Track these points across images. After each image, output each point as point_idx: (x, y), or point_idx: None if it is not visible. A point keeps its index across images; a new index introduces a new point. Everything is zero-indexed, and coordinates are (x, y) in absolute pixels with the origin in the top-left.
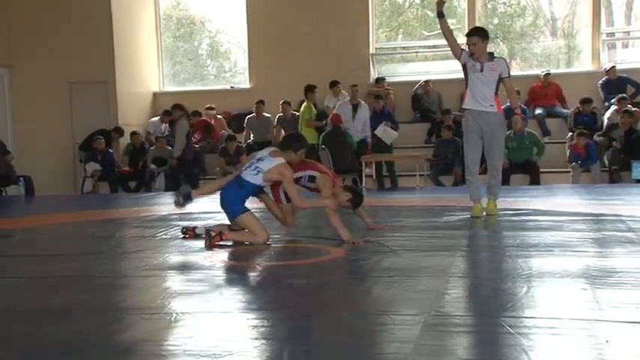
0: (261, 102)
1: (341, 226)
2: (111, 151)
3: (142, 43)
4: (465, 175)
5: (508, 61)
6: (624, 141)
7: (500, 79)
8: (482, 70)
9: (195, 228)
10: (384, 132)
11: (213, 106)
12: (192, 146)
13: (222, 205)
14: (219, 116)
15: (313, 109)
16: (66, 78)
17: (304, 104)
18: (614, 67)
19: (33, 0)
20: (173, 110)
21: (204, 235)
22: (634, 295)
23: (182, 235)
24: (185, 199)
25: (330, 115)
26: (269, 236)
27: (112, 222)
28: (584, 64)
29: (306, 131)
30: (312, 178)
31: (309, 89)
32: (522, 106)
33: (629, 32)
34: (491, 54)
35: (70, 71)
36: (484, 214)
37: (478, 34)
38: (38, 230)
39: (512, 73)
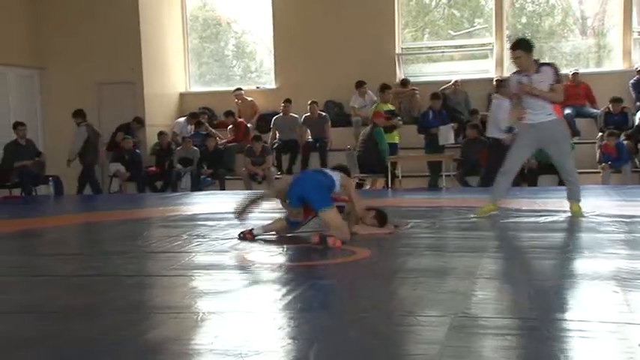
0: (288, 101)
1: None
2: (138, 151)
3: (169, 44)
4: (498, 172)
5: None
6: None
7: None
8: (532, 83)
9: (252, 230)
10: (447, 132)
11: (241, 87)
12: (94, 153)
13: (298, 192)
14: (249, 98)
15: (385, 109)
16: (95, 79)
17: (375, 104)
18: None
19: (62, 2)
20: (73, 117)
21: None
22: None
23: (239, 238)
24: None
25: (373, 114)
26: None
27: (139, 222)
28: (614, 63)
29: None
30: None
31: (383, 88)
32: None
33: None
34: (537, 62)
35: (98, 72)
36: (491, 213)
37: (521, 46)
38: (67, 229)
39: None
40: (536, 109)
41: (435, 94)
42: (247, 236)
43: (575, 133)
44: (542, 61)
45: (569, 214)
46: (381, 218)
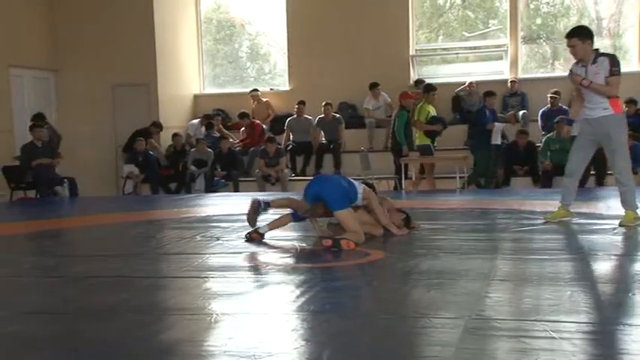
0: (302, 102)
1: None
2: (152, 152)
3: (183, 46)
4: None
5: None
6: None
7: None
8: (586, 75)
9: (257, 229)
10: (499, 131)
11: (257, 88)
12: (52, 154)
13: (317, 192)
14: (264, 99)
15: (430, 111)
16: (109, 81)
17: (420, 105)
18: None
19: (77, 5)
20: (33, 120)
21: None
22: None
23: (246, 239)
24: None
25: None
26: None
27: (153, 223)
28: (631, 64)
29: (419, 134)
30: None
31: (428, 89)
32: (565, 107)
33: None
34: (596, 52)
35: (113, 74)
36: (564, 219)
37: (577, 34)
38: (82, 231)
39: (555, 74)
40: (593, 103)
41: (490, 92)
42: (254, 236)
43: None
44: (602, 51)
45: (619, 219)
46: (408, 222)
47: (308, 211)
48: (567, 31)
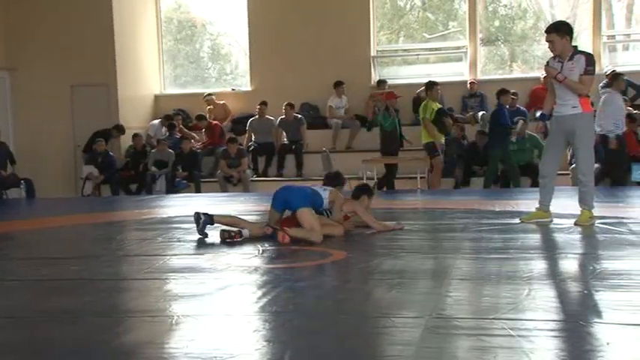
0: (264, 103)
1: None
2: (111, 153)
3: (144, 45)
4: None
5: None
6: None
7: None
8: (561, 71)
9: (241, 230)
10: (521, 127)
11: (211, 92)
12: None
13: (285, 196)
14: (220, 102)
15: (434, 107)
16: (67, 81)
17: (424, 102)
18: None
19: (34, 3)
20: None
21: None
22: (635, 298)
23: (227, 240)
24: (205, 224)
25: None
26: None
27: (114, 224)
28: None
29: (424, 132)
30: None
31: (432, 85)
32: (522, 108)
33: (629, 35)
34: (574, 49)
35: (71, 74)
36: (541, 220)
37: (556, 30)
38: (39, 233)
39: (513, 76)
40: (563, 99)
41: (504, 89)
42: (236, 237)
43: (546, 135)
44: (580, 49)
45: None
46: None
47: (278, 222)
48: (525, 31)
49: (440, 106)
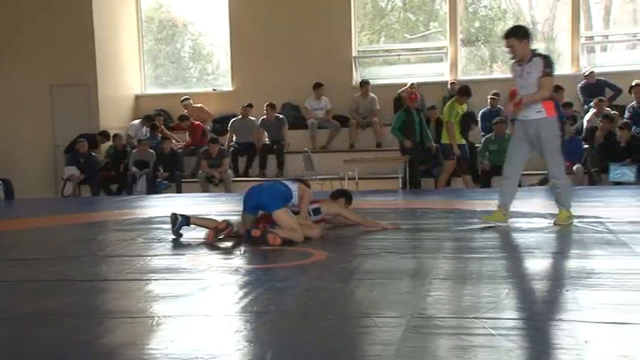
0: (249, 106)
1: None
2: (93, 154)
3: (124, 45)
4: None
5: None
6: (603, 143)
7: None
8: (521, 75)
9: (231, 227)
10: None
11: (188, 97)
12: None
13: (256, 198)
14: (198, 105)
15: (460, 111)
16: (46, 81)
17: (449, 103)
18: (592, 72)
19: (13, 2)
20: None
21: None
22: (612, 296)
23: (220, 237)
24: (181, 225)
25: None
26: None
27: (94, 225)
28: (564, 67)
29: (443, 133)
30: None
31: (463, 92)
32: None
33: (607, 36)
34: (533, 52)
35: (50, 74)
36: (500, 224)
37: (514, 34)
38: (19, 234)
39: (493, 76)
40: (526, 104)
41: (558, 86)
42: (229, 231)
43: None
44: (539, 51)
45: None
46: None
47: (250, 225)
48: (504, 31)
49: (465, 110)
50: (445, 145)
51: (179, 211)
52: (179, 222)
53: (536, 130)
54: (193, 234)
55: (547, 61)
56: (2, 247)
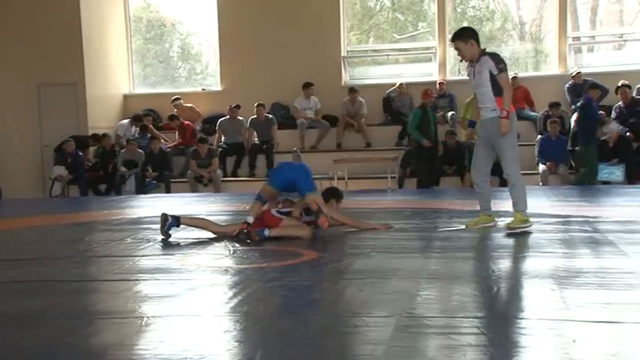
0: (237, 107)
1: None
2: (80, 153)
3: (112, 45)
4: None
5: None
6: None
7: (494, 77)
8: (473, 75)
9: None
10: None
11: (179, 96)
12: None
13: (290, 177)
14: (188, 105)
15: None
16: (34, 80)
17: (467, 101)
18: (579, 72)
19: (1, 2)
20: None
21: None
22: (600, 295)
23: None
24: (170, 226)
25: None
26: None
27: (82, 225)
28: (551, 67)
29: (463, 133)
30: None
31: None
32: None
33: (594, 37)
34: (482, 52)
35: (38, 73)
36: (487, 225)
37: (459, 37)
38: (6, 234)
39: None
40: (482, 103)
41: (594, 84)
42: (249, 230)
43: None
44: (488, 50)
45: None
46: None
47: (273, 197)
48: (493, 33)
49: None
50: (465, 144)
51: (170, 212)
52: (169, 222)
53: (493, 129)
54: (183, 234)
55: (496, 58)
56: None
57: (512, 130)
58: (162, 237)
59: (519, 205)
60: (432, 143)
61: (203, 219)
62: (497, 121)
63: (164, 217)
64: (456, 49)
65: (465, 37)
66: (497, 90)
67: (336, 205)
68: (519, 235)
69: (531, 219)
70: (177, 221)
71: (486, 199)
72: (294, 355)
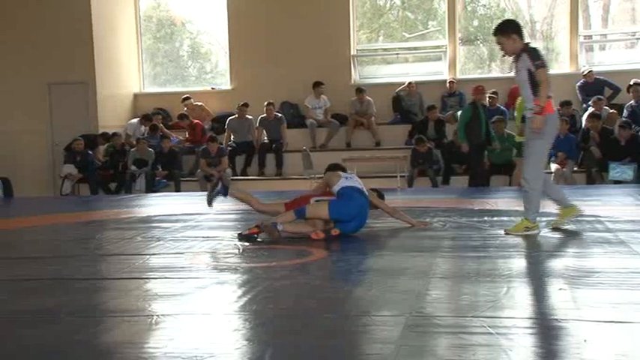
0: (245, 105)
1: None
2: (90, 152)
3: (123, 44)
4: None
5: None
6: (600, 142)
7: (532, 74)
8: (514, 71)
9: (259, 225)
10: None
11: (188, 95)
12: None
13: (357, 214)
14: (199, 103)
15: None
16: (45, 79)
17: (520, 100)
18: (591, 71)
19: (12, 1)
20: None
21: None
22: (611, 295)
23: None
24: (217, 193)
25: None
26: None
27: (93, 224)
28: (562, 66)
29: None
30: None
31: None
32: (502, 107)
33: (606, 35)
34: (523, 47)
35: (49, 72)
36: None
37: (500, 31)
38: (18, 232)
39: (492, 75)
40: (525, 102)
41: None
42: (253, 231)
43: (521, 134)
44: (531, 45)
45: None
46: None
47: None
48: (493, 28)
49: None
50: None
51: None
52: (217, 189)
53: (529, 129)
54: (193, 233)
55: (533, 54)
56: (0, 246)
57: (545, 134)
58: (207, 204)
59: (529, 211)
60: (482, 141)
61: (248, 194)
62: (532, 120)
63: (214, 182)
64: (497, 43)
65: (507, 31)
66: (536, 88)
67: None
68: (530, 234)
69: (542, 218)
70: (225, 191)
71: (557, 193)
72: (303, 353)
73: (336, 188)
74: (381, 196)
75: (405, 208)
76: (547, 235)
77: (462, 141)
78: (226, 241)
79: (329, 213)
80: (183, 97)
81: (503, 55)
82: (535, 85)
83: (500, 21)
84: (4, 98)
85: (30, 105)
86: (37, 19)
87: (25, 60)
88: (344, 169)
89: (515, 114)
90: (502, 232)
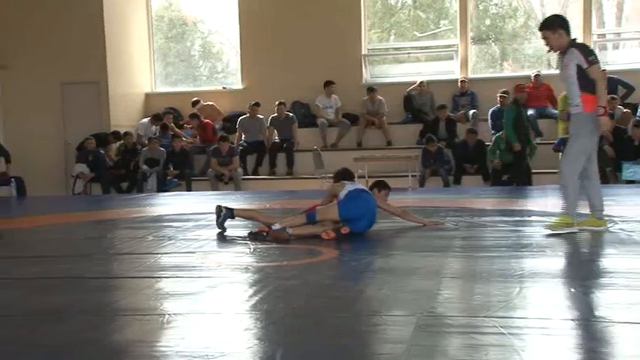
0: (256, 104)
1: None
2: (101, 151)
3: (134, 43)
4: None
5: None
6: (614, 142)
7: (582, 71)
8: (560, 67)
9: (271, 225)
10: None
11: (198, 99)
12: None
13: (366, 211)
14: (210, 103)
15: None
16: (58, 79)
17: (563, 94)
18: (604, 70)
19: (25, 1)
20: None
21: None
22: (625, 295)
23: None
24: (225, 217)
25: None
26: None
27: (104, 223)
28: None
29: (561, 124)
30: None
31: None
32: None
33: (619, 34)
34: (570, 43)
35: (62, 72)
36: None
37: (546, 26)
38: (30, 231)
39: (504, 74)
40: (570, 98)
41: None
42: (263, 229)
43: (537, 133)
44: (577, 41)
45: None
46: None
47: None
48: (515, 30)
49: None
50: (562, 140)
51: (222, 205)
52: (223, 214)
53: (574, 126)
54: (204, 232)
55: (585, 51)
56: (13, 245)
57: (584, 133)
58: (219, 230)
59: (566, 208)
60: (525, 141)
61: (254, 210)
62: (580, 118)
63: (218, 208)
64: (543, 38)
65: (553, 26)
66: (584, 84)
67: (384, 194)
68: (542, 233)
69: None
70: (231, 213)
71: (594, 201)
72: (314, 353)
73: (342, 194)
74: (386, 187)
75: (417, 207)
76: (559, 234)
77: (514, 141)
78: (237, 241)
79: (339, 214)
80: (193, 100)
81: (549, 51)
82: (584, 81)
83: (548, 16)
84: (19, 98)
85: (43, 105)
86: (50, 19)
87: (38, 60)
88: (352, 175)
89: (560, 108)
90: (513, 231)
